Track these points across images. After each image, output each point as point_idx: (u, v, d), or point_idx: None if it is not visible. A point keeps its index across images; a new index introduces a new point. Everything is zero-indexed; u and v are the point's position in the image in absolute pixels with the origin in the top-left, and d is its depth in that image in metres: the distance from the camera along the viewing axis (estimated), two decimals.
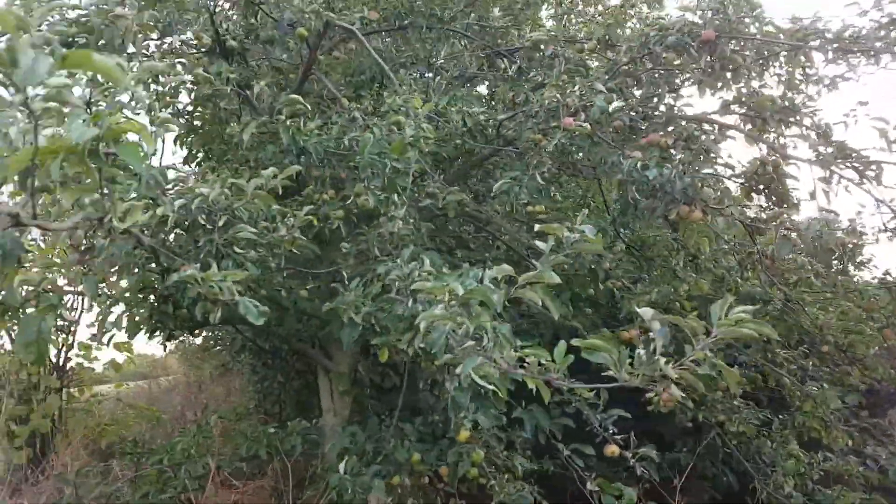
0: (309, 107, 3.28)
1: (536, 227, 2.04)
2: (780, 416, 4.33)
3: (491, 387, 1.82)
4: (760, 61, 3.67)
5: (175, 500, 3.38)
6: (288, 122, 3.12)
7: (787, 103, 3.59)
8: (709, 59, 3.52)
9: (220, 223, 2.25)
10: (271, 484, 3.58)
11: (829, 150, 3.43)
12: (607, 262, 3.87)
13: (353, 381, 4.44)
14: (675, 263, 4.07)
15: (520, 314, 4.37)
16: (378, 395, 4.59)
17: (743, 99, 3.65)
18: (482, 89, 5.62)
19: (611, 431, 2.99)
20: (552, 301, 2.01)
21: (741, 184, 4.27)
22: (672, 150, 3.38)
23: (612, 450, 2.90)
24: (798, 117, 3.58)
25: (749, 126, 3.82)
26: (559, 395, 3.13)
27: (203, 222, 2.26)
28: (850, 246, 3.11)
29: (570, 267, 4.21)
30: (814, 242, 2.80)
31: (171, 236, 2.60)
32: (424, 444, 3.40)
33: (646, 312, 1.70)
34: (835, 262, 6.99)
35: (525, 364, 1.80)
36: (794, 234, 2.83)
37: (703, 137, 3.49)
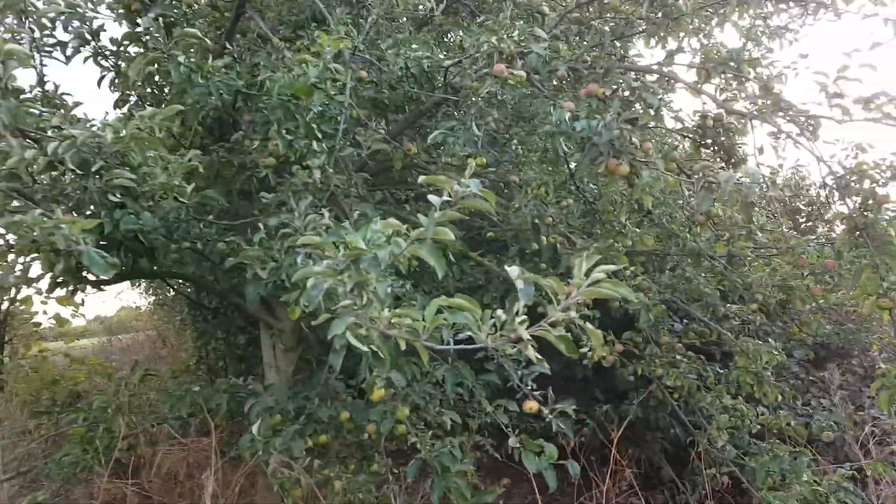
0: (210, 42, 3.13)
1: (421, 178, 1.97)
2: (719, 371, 4.36)
3: (368, 349, 1.79)
4: (706, 11, 3.54)
5: (95, 459, 3.38)
6: (180, 59, 2.97)
7: (731, 55, 3.48)
8: (651, 5, 3.40)
9: (94, 168, 2.17)
10: (211, 443, 3.59)
11: (769, 102, 3.35)
12: (549, 216, 3.81)
13: (299, 338, 4.40)
14: (621, 218, 4.02)
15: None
16: (328, 352, 4.59)
17: (686, 50, 3.54)
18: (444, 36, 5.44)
19: (530, 387, 3.00)
20: (437, 260, 1.96)
21: (691, 139, 4.20)
22: (609, 102, 3.28)
23: (531, 405, 2.91)
24: (741, 69, 3.47)
25: (695, 79, 3.72)
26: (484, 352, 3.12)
27: (72, 167, 2.17)
28: (782, 201, 3.07)
29: (516, 222, 4.17)
30: (734, 195, 2.73)
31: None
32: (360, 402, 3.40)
33: (512, 271, 1.65)
34: (802, 220, 6.98)
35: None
36: (714, 187, 2.77)
37: (643, 88, 3.39)
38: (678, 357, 4.39)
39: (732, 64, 3.53)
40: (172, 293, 8.17)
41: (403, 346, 1.79)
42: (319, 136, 3.11)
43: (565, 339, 1.60)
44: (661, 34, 3.48)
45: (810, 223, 7.59)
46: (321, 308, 1.86)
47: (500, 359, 3.04)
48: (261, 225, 2.83)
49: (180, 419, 3.64)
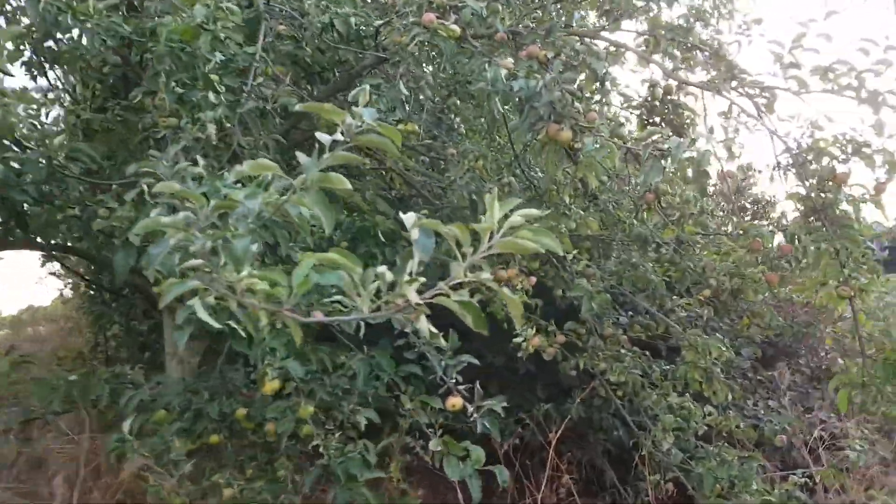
0: None
1: (298, 106, 1.57)
2: (666, 367, 4.08)
3: (224, 326, 1.38)
4: None
5: None
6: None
7: (681, 21, 3.19)
8: None
9: None
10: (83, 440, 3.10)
11: (721, 69, 3.07)
12: (488, 192, 3.44)
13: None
14: (563, 199, 3.69)
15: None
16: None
17: (634, 15, 3.23)
18: None
19: (455, 380, 2.62)
20: (325, 211, 1.57)
21: (637, 114, 3.90)
22: (550, 64, 2.94)
23: (455, 402, 2.53)
24: (691, 36, 3.19)
25: (643, 48, 3.43)
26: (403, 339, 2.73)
27: None
28: (735, 180, 2.79)
29: (454, 200, 3.80)
30: (685, 165, 2.43)
31: None
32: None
33: (407, 218, 1.27)
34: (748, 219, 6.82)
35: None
36: (664, 159, 2.45)
37: (589, 53, 3.06)
38: (623, 351, 4.09)
39: (682, 30, 3.24)
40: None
41: (265, 321, 1.38)
42: (221, 89, 2.67)
43: (470, 306, 1.22)
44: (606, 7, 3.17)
45: (756, 221, 7.48)
46: (165, 270, 1.45)
47: (420, 345, 2.65)
48: (145, 185, 2.38)
49: (55, 413, 3.14)
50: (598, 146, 2.54)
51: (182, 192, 1.60)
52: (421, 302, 1.19)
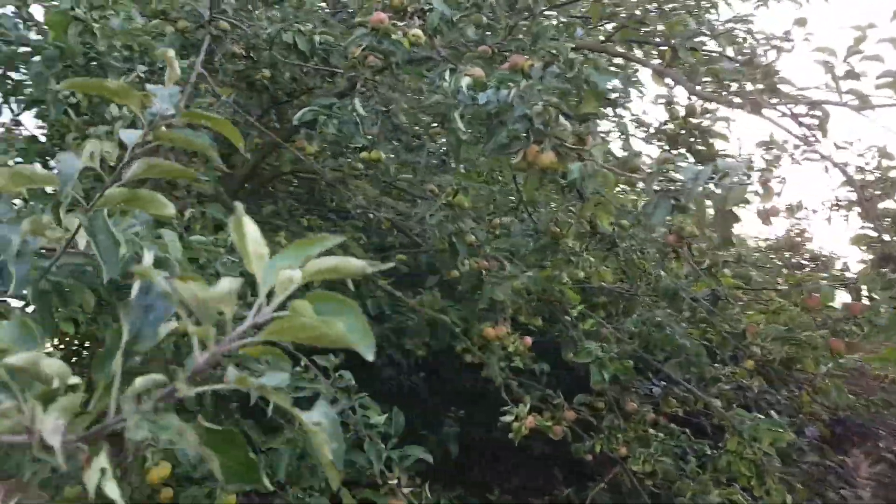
0: None
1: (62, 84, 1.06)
2: (705, 453, 3.30)
3: None
4: None
5: None
6: None
7: (704, 25, 2.60)
8: None
9: None
10: None
11: (759, 86, 2.43)
12: (471, 233, 2.85)
13: None
14: (569, 243, 3.07)
15: None
16: None
17: (645, 21, 2.66)
18: None
19: (398, 480, 1.99)
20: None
21: (658, 145, 3.29)
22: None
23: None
24: (717, 44, 2.58)
25: (657, 61, 2.84)
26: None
27: None
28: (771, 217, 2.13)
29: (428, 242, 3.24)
30: (706, 202, 1.79)
31: None
32: None
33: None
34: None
35: None
36: (674, 190, 1.83)
37: (587, 64, 2.49)
38: (652, 431, 3.35)
39: (705, 38, 2.64)
40: None
41: None
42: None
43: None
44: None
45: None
46: None
47: (358, 430, 2.04)
48: None
49: None
50: (587, 173, 1.94)
51: None
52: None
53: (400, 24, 2.29)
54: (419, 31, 2.36)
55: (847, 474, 4.08)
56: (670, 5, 2.62)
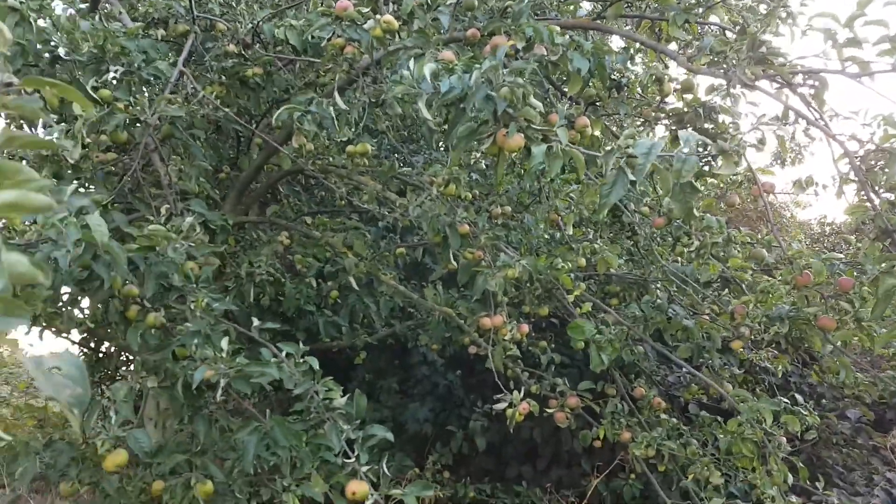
0: None
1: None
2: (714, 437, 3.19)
3: None
4: None
5: None
6: None
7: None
8: None
9: None
10: None
11: (750, 53, 2.32)
12: (463, 222, 2.83)
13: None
14: (568, 229, 3.02)
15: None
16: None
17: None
18: None
19: (362, 461, 2.01)
20: None
21: (666, 125, 3.20)
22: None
23: (355, 489, 1.92)
24: (711, 12, 2.48)
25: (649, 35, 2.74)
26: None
27: None
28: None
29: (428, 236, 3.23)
30: (663, 175, 1.72)
31: None
32: None
33: None
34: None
35: None
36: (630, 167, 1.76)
37: (570, 45, 2.44)
38: (663, 416, 3.27)
39: (700, 9, 2.54)
40: None
41: None
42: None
43: None
44: None
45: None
46: None
47: (321, 413, 2.07)
48: None
49: None
50: (549, 155, 1.90)
51: None
52: None
53: (365, 10, 2.29)
54: (391, 17, 2.35)
55: (890, 458, 3.90)
56: None
